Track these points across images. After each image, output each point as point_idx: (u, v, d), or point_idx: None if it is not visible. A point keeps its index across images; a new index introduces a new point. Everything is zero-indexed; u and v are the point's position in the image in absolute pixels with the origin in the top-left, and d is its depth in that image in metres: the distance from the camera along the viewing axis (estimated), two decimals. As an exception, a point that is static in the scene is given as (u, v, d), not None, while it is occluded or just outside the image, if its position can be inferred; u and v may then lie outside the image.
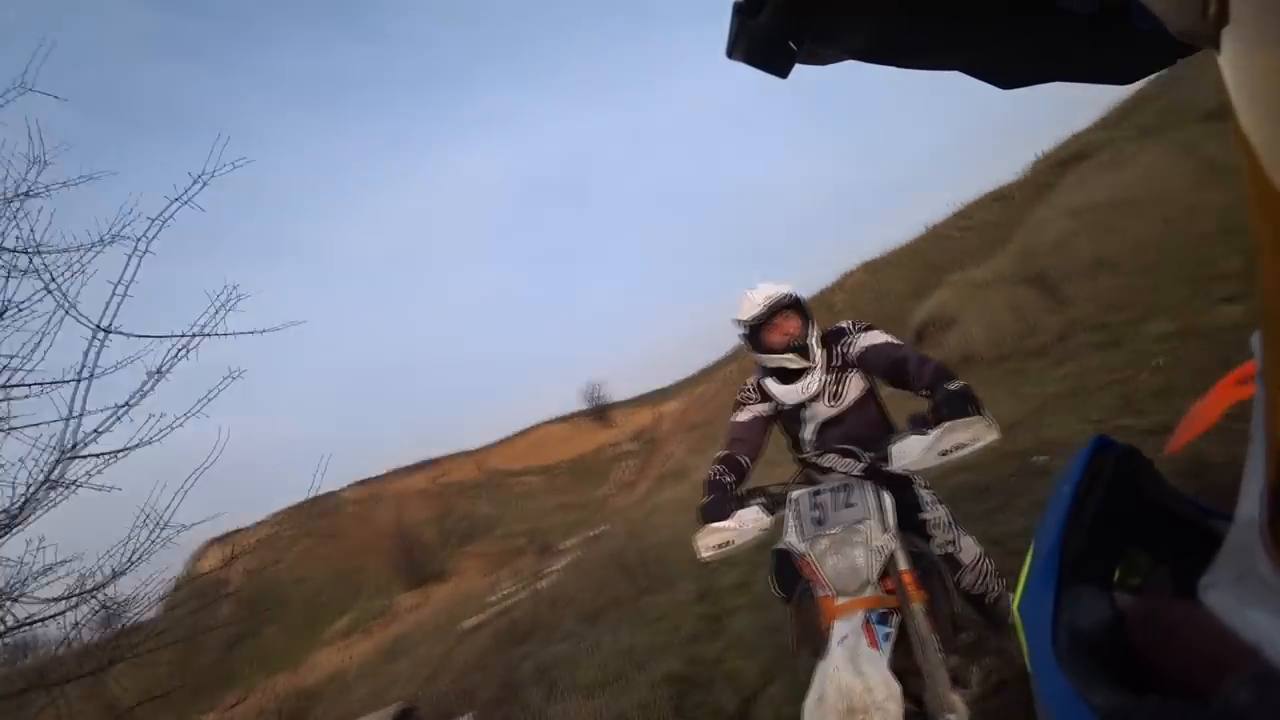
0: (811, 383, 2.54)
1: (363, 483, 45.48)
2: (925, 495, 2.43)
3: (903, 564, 2.11)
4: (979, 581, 2.46)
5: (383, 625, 24.11)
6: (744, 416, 2.68)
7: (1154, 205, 8.54)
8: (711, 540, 2.28)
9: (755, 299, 2.55)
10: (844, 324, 2.64)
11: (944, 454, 1.91)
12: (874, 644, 1.91)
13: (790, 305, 2.58)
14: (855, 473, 2.29)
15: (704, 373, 43.87)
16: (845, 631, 1.96)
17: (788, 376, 2.59)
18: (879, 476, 2.23)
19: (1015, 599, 0.66)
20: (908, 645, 1.99)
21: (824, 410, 2.56)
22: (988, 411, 1.95)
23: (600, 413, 48.35)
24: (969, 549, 2.47)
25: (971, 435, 1.91)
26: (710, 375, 40.57)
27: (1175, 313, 5.56)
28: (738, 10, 1.20)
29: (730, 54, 1.27)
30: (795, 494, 2.31)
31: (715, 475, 2.51)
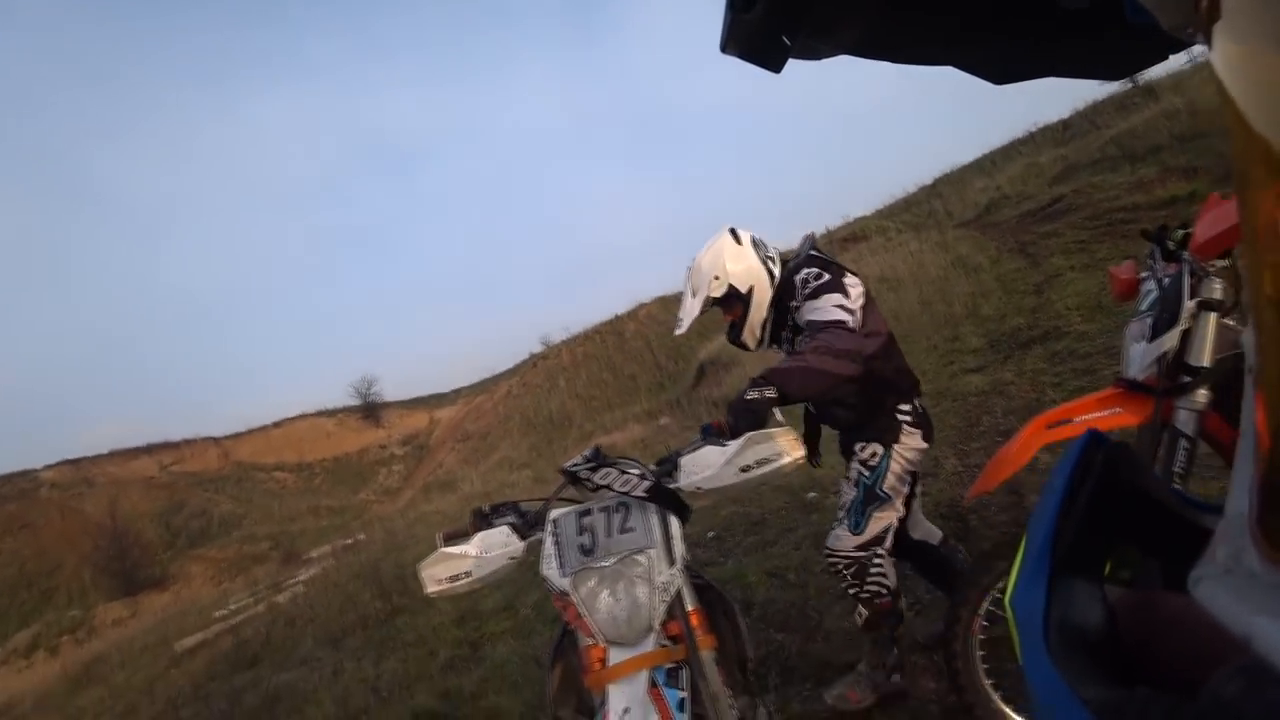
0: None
1: (72, 462, 38.30)
2: None
3: (690, 602, 1.75)
4: None
5: (76, 643, 20.41)
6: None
7: (914, 286, 9.90)
8: (442, 570, 1.81)
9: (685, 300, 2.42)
10: (801, 268, 2.34)
11: (745, 470, 1.68)
12: (667, 716, 1.61)
13: (718, 302, 2.40)
14: (637, 492, 1.78)
15: (487, 382, 42.98)
16: (626, 702, 1.60)
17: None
18: (664, 496, 1.81)
19: (1008, 593, 0.68)
20: (695, 699, 1.70)
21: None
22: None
23: (371, 411, 45.48)
24: None
25: (776, 450, 1.68)
26: (493, 386, 39.97)
27: (930, 377, 6.30)
28: (730, 5, 1.19)
29: (724, 49, 1.28)
30: (556, 514, 1.84)
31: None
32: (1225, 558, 0.48)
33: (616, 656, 1.67)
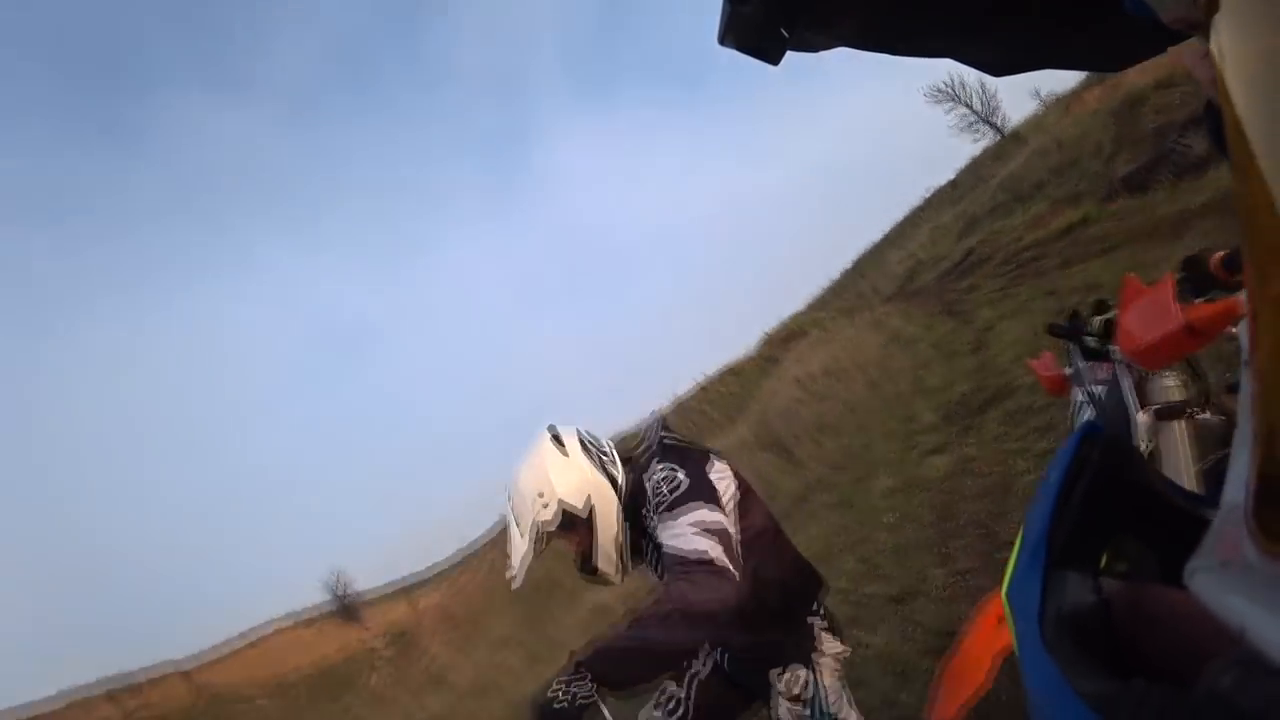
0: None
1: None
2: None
3: None
4: None
5: None
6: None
7: (858, 372, 9.94)
8: None
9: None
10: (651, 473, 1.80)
11: None
12: None
13: (554, 533, 1.84)
14: None
15: (465, 558, 41.19)
16: None
17: None
18: None
19: (1004, 586, 0.67)
20: None
21: None
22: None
23: (347, 609, 42.59)
24: None
25: None
26: (472, 561, 38.25)
27: (893, 468, 5.99)
28: None
29: (722, 41, 1.28)
30: None
31: None
32: (1221, 550, 0.48)
33: None
